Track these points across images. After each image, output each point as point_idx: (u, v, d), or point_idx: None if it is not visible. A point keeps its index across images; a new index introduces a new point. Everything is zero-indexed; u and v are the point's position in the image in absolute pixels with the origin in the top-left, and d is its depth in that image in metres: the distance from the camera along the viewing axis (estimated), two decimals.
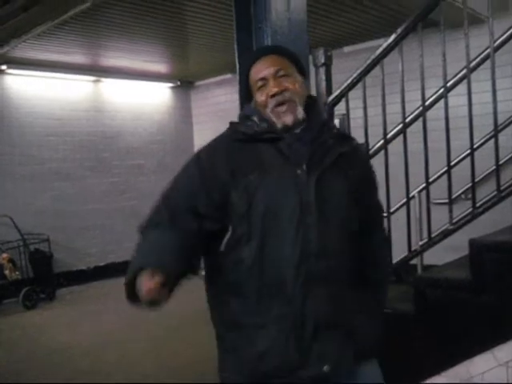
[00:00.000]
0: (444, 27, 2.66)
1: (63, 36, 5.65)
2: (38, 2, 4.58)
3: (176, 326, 5.04)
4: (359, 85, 2.85)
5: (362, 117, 2.91)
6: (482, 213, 2.64)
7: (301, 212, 1.49)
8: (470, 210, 2.67)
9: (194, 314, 5.39)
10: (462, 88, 2.92)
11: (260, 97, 1.59)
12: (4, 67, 6.66)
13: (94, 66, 7.29)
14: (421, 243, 3.07)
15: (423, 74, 2.70)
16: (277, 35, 2.51)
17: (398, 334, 2.41)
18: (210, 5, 4.94)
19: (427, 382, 2.06)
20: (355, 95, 2.92)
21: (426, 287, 2.57)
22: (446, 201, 2.75)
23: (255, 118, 1.59)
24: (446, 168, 2.79)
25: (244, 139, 1.58)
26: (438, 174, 3.73)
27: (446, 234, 2.78)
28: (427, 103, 2.84)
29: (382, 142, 2.92)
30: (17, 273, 6.36)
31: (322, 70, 2.87)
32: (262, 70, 1.59)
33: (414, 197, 3.87)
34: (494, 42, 2.58)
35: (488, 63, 2.63)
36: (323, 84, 2.88)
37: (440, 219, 2.81)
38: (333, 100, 2.87)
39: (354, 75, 2.83)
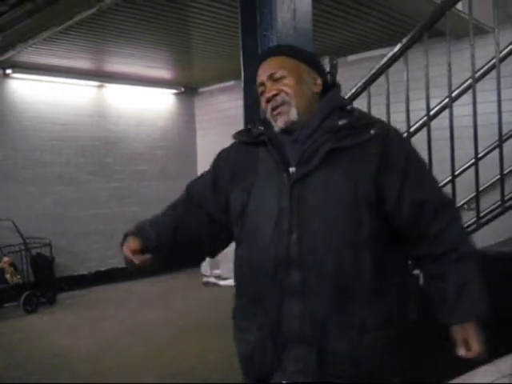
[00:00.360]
0: (449, 37, 2.67)
1: (68, 41, 5.67)
2: (43, 8, 4.61)
3: (177, 334, 5.03)
4: (364, 94, 2.85)
5: None
6: (486, 223, 2.63)
7: (278, 218, 1.44)
8: (474, 220, 2.66)
9: (194, 321, 5.39)
10: (465, 98, 2.93)
11: (262, 102, 1.59)
12: (9, 71, 6.68)
13: (98, 71, 7.31)
14: None
15: (428, 84, 2.70)
16: (282, 43, 2.52)
17: None
18: (215, 11, 4.96)
19: None
20: (359, 104, 2.91)
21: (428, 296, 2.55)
22: None
23: (258, 123, 1.61)
24: (449, 178, 2.79)
25: (245, 142, 1.61)
26: (441, 184, 3.72)
27: None
28: (432, 113, 2.84)
29: None
30: (18, 277, 6.34)
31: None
32: (260, 75, 1.58)
33: None
34: (500, 52, 2.59)
35: (492, 73, 2.63)
36: None
37: None
38: None
39: (359, 84, 2.84)
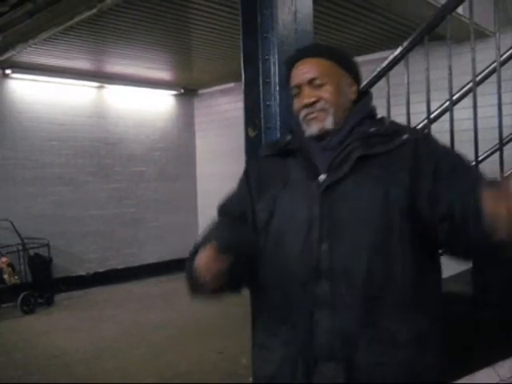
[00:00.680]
0: (450, 41, 2.67)
1: (68, 42, 5.67)
2: (44, 8, 4.61)
3: (175, 336, 5.02)
4: None
5: None
6: None
7: (308, 227, 1.39)
8: None
9: (193, 324, 5.38)
10: (464, 102, 2.93)
11: (295, 104, 1.52)
12: (9, 71, 6.69)
13: (98, 72, 7.31)
14: None
15: (429, 87, 2.70)
16: (283, 45, 2.51)
17: None
18: (215, 13, 4.97)
19: None
20: None
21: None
22: None
23: (291, 131, 1.59)
24: None
25: (271, 153, 1.57)
26: None
27: None
28: (432, 116, 2.84)
29: None
30: (16, 277, 6.34)
31: None
32: (297, 76, 1.50)
33: None
34: (501, 56, 2.59)
35: (491, 77, 2.64)
36: None
37: None
38: None
39: (360, 86, 2.83)
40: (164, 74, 7.75)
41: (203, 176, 8.87)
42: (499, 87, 2.55)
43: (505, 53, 2.70)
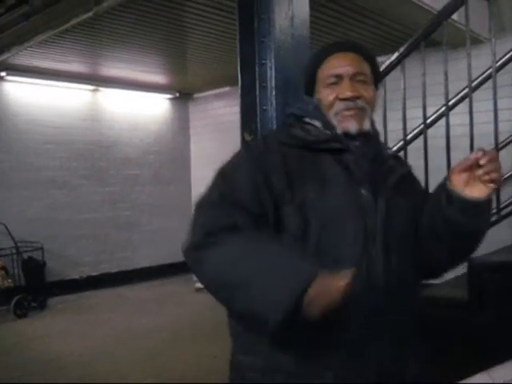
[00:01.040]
0: (445, 47, 2.69)
1: (64, 44, 5.67)
2: (40, 10, 4.60)
3: (169, 340, 5.00)
4: None
5: None
6: None
7: (365, 240, 1.27)
8: None
9: (187, 328, 5.37)
10: (458, 107, 2.94)
11: (328, 95, 1.37)
12: (3, 74, 6.65)
13: (93, 75, 7.30)
14: None
15: (425, 93, 2.71)
16: (280, 50, 2.52)
17: None
18: (211, 17, 4.97)
19: None
20: None
21: (424, 305, 2.56)
22: None
23: (317, 123, 1.38)
24: None
25: (301, 146, 1.35)
26: None
27: None
28: (428, 121, 2.86)
29: None
30: (9, 280, 6.30)
31: None
32: (340, 66, 1.36)
33: None
34: (496, 62, 2.61)
35: (485, 83, 2.66)
36: None
37: None
38: None
39: None
40: (159, 78, 7.75)
41: (198, 180, 8.85)
42: (495, 93, 2.57)
43: (500, 59, 2.71)
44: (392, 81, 2.88)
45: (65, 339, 5.13)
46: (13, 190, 6.90)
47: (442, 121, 2.79)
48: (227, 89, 8.09)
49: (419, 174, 2.71)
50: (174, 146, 8.86)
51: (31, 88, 7.12)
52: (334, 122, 1.36)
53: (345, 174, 1.31)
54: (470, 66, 2.59)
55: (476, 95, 2.78)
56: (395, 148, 3.02)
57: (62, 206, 7.39)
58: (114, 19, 4.95)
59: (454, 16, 4.17)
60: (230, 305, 1.25)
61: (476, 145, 2.69)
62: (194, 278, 1.47)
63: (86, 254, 7.59)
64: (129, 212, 8.08)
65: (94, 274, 7.61)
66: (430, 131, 2.86)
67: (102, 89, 7.82)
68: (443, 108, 2.79)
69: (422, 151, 2.76)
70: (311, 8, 2.64)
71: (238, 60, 2.61)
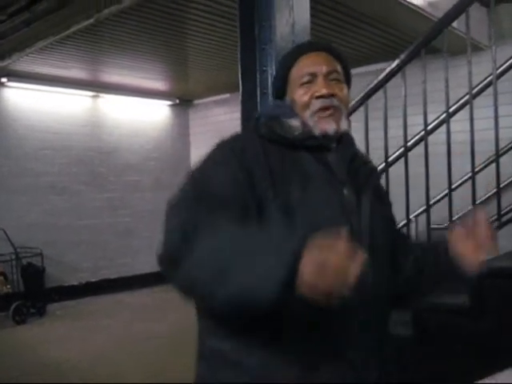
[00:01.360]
0: (445, 54, 2.70)
1: (65, 51, 5.68)
2: (41, 17, 4.62)
3: (168, 346, 4.98)
4: (361, 108, 2.87)
5: (363, 139, 2.92)
6: None
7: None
8: None
9: (186, 334, 5.34)
10: (459, 114, 2.95)
11: (303, 95, 1.31)
12: (4, 80, 6.67)
13: (93, 81, 7.32)
14: None
15: (426, 99, 2.73)
16: (280, 57, 2.53)
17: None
18: (212, 24, 4.99)
19: None
20: (356, 118, 2.93)
21: (424, 311, 2.56)
22: (443, 226, 2.75)
23: (294, 122, 1.31)
24: (445, 192, 2.81)
25: (281, 142, 1.29)
26: (435, 199, 3.74)
27: None
28: (429, 128, 2.87)
29: (383, 164, 2.94)
30: (8, 286, 6.29)
31: None
32: (313, 64, 1.32)
33: (411, 221, 3.88)
34: (497, 69, 2.62)
35: (486, 90, 2.67)
36: None
37: None
38: None
39: (357, 99, 2.85)
40: (159, 85, 7.77)
41: None
42: (495, 100, 2.58)
43: (501, 66, 2.73)
44: (393, 88, 2.90)
45: (64, 345, 5.11)
46: (12, 196, 6.89)
47: (443, 127, 2.80)
48: (227, 95, 8.11)
49: (420, 180, 2.75)
50: (174, 153, 8.87)
51: (32, 94, 7.13)
52: (311, 123, 1.30)
53: (326, 172, 1.27)
54: (470, 73, 2.61)
55: (476, 102, 2.79)
56: (396, 154, 3.04)
57: (62, 211, 7.38)
58: (115, 26, 4.96)
59: (455, 23, 4.21)
60: (217, 296, 1.10)
61: (476, 151, 2.71)
62: None
63: (86, 260, 7.58)
64: (129, 218, 8.07)
65: (94, 280, 7.59)
66: (430, 138, 2.87)
67: (102, 95, 7.83)
68: (444, 115, 2.80)
69: (423, 158, 2.77)
70: (312, 15, 2.66)
71: (239, 67, 2.62)
